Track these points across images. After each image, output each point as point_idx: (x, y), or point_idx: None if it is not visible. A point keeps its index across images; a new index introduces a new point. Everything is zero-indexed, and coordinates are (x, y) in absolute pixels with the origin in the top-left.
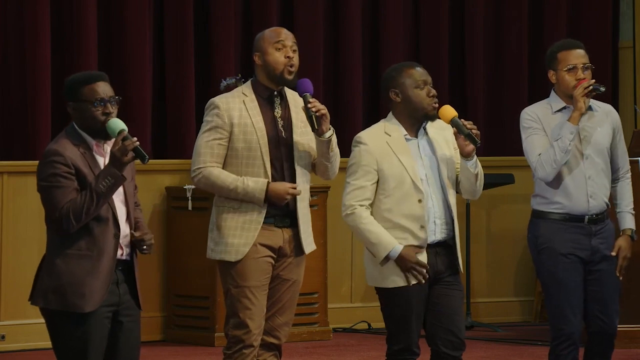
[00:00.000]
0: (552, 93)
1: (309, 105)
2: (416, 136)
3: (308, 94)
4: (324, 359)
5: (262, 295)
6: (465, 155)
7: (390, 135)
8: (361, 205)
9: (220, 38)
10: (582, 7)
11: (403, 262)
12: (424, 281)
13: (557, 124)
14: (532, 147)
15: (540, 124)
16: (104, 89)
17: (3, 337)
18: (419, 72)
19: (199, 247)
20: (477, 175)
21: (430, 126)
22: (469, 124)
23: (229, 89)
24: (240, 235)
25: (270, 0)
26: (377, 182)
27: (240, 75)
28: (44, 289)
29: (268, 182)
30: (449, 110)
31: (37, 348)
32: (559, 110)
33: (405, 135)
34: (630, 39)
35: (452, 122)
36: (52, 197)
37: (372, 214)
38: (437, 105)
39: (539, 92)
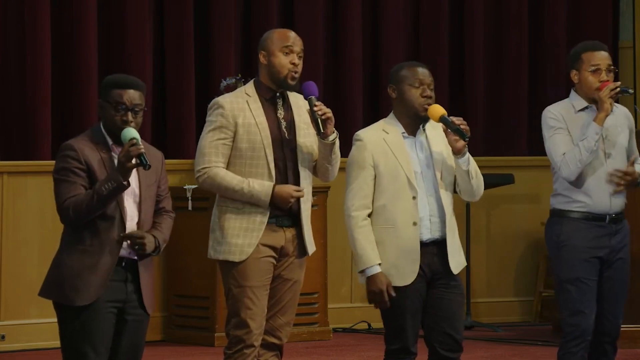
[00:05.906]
0: (573, 93)
1: (315, 109)
2: (414, 135)
3: (314, 97)
4: (324, 359)
5: (263, 295)
6: (456, 153)
7: (387, 133)
8: (362, 209)
9: (220, 38)
10: (582, 7)
11: (373, 284)
12: (377, 307)
13: (582, 123)
14: (556, 145)
15: (564, 123)
16: (131, 96)
17: (3, 337)
18: (418, 72)
19: (199, 247)
20: (469, 172)
21: (433, 128)
22: (457, 120)
23: (229, 89)
24: (244, 236)
25: (270, 0)
26: (375, 177)
27: (240, 75)
28: (48, 280)
29: (274, 186)
30: (437, 109)
31: (37, 348)
32: (582, 110)
33: (403, 133)
34: (630, 39)
35: (441, 119)
36: (59, 189)
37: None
38: (428, 106)
39: (539, 92)
